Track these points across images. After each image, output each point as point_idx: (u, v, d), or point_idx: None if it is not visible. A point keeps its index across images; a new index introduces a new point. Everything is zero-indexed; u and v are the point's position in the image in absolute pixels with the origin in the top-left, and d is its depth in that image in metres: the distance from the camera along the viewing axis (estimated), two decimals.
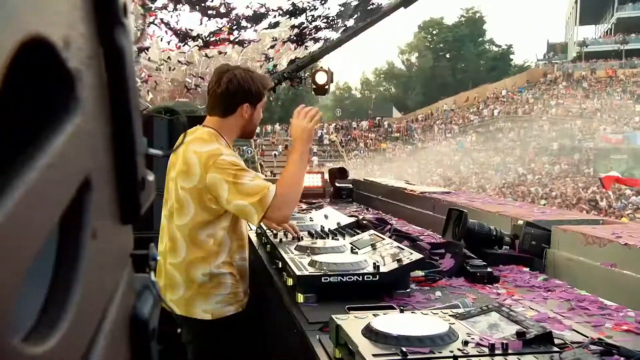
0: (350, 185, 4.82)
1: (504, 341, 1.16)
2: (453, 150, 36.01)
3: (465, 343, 1.17)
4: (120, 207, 0.42)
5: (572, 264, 2.19)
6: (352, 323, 1.30)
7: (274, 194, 2.06)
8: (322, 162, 33.42)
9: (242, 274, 2.27)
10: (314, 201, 4.55)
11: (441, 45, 59.85)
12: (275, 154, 36.21)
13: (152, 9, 4.81)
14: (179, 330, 2.08)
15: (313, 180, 4.94)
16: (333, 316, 1.35)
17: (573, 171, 28.83)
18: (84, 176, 0.33)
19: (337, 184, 4.70)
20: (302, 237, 2.34)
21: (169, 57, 5.24)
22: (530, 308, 1.74)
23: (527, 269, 2.29)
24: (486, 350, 1.14)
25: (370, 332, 1.21)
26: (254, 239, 2.83)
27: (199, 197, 2.11)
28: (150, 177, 0.48)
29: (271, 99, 51.05)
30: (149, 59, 5.47)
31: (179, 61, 5.18)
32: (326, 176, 4.89)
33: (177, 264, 2.18)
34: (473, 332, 1.24)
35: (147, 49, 5.26)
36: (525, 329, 1.20)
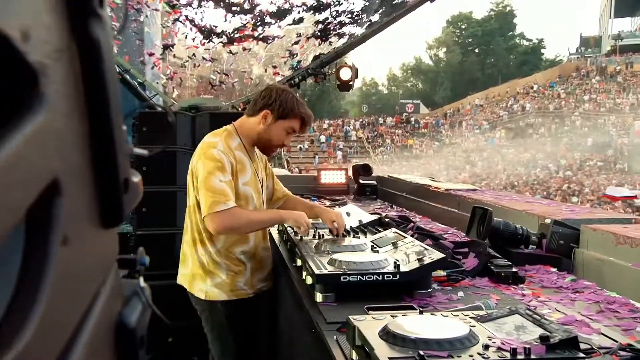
0: (374, 182, 4.78)
1: (527, 345, 1.11)
2: (482, 147, 35.47)
3: (486, 347, 1.13)
4: (100, 210, 0.40)
5: (602, 265, 2.12)
6: (370, 324, 1.27)
7: (230, 207, 2.15)
8: (348, 158, 33.39)
9: (242, 265, 2.34)
10: (337, 198, 4.53)
11: (470, 40, 58.98)
12: (300, 148, 36.35)
13: (177, 6, 4.85)
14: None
15: (337, 177, 4.91)
16: (350, 317, 1.33)
17: (606, 167, 28.10)
18: (51, 179, 0.31)
19: (361, 181, 4.66)
20: (322, 234, 2.32)
21: (193, 54, 5.28)
22: (557, 310, 1.68)
23: (554, 270, 2.22)
24: (508, 355, 1.10)
25: (387, 334, 1.18)
26: (275, 235, 2.82)
27: (191, 180, 2.28)
28: (136, 179, 0.45)
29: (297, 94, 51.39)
30: (174, 56, 5.52)
31: (204, 58, 5.21)
32: (350, 173, 4.86)
33: (188, 240, 2.36)
34: (494, 335, 1.20)
35: (172, 46, 5.31)
36: (549, 333, 1.15)
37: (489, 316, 1.32)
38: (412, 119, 43.05)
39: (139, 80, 5.00)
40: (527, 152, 32.35)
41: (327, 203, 4.13)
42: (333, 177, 4.92)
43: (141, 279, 0.49)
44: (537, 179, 25.51)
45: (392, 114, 45.61)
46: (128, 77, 4.81)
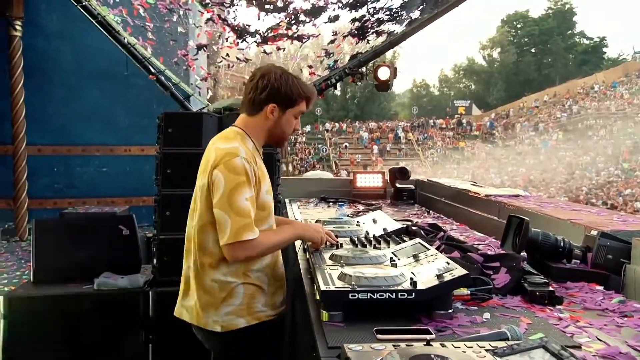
0: (412, 186, 4.56)
1: None
2: (536, 149, 34.17)
3: None
4: None
5: None
6: (366, 356, 1.11)
7: (254, 237, 1.90)
8: (397, 160, 32.96)
9: (261, 286, 2.07)
10: (372, 202, 4.35)
11: (526, 40, 57.13)
12: (346, 146, 36.30)
13: (209, 4, 4.80)
14: None
15: (373, 181, 4.73)
16: (346, 346, 1.17)
17: None
18: None
19: (397, 185, 4.46)
20: (341, 244, 2.16)
21: (227, 54, 5.21)
22: (598, 339, 1.45)
23: (600, 288, 1.97)
24: None
25: None
26: (297, 242, 2.67)
27: (206, 195, 1.97)
28: None
29: (347, 97, 50.89)
30: (207, 56, 5.47)
31: (237, 58, 5.14)
32: (387, 176, 4.66)
33: (191, 267, 2.07)
34: None
35: (206, 46, 5.27)
36: None
37: (510, 349, 1.13)
38: (464, 120, 42.05)
39: (173, 81, 4.98)
40: (585, 155, 30.93)
41: (361, 208, 3.96)
42: (369, 180, 4.74)
43: None
44: (596, 183, 24.30)
45: (444, 115, 44.71)
46: (163, 78, 4.80)
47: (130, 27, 4.92)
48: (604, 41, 58.09)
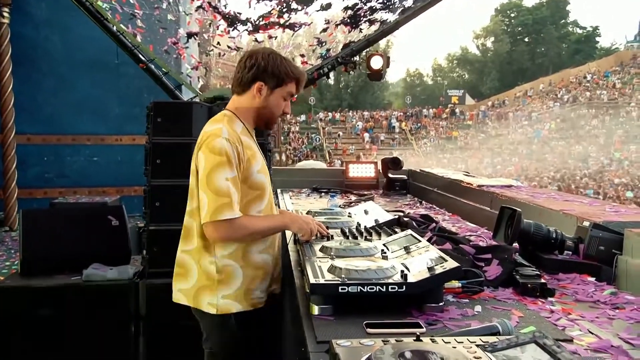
0: (405, 176, 4.54)
1: None
2: (529, 139, 34.26)
3: None
4: None
5: None
6: (354, 352, 1.08)
7: (234, 217, 1.89)
8: (390, 150, 32.96)
9: (261, 269, 2.09)
10: (365, 193, 4.33)
11: (519, 29, 57.11)
12: (339, 134, 36.30)
13: None
14: None
15: (366, 171, 4.71)
16: (334, 341, 1.14)
17: None
18: None
19: (390, 175, 4.44)
20: (331, 236, 2.13)
21: (218, 43, 5.14)
22: (590, 332, 1.44)
23: (592, 279, 1.96)
24: None
25: None
26: (288, 233, 2.64)
27: (196, 177, 2.00)
28: None
29: (340, 86, 50.76)
30: (198, 45, 5.40)
31: (229, 46, 5.06)
32: (380, 166, 4.64)
33: (190, 251, 2.09)
34: None
35: (196, 34, 5.19)
36: None
37: (500, 344, 1.11)
38: (457, 110, 42.07)
39: (163, 70, 4.91)
40: (578, 144, 31.05)
41: (353, 198, 3.93)
42: (362, 170, 4.72)
43: None
44: (588, 173, 24.42)
45: (437, 105, 44.70)
46: (153, 67, 4.72)
47: (119, 14, 4.83)
48: (597, 30, 58.23)
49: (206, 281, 2.04)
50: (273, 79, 2.04)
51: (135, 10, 4.89)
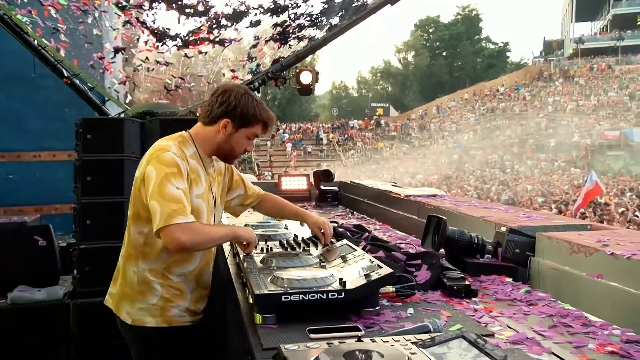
0: (336, 188, 4.69)
1: None
2: (450, 149, 35.84)
3: None
4: None
5: (557, 274, 2.06)
6: (302, 355, 1.17)
7: (189, 220, 1.87)
8: (319, 161, 33.33)
9: (178, 290, 2.08)
10: (298, 205, 4.41)
11: (438, 44, 59.73)
12: (268, 146, 36.38)
13: (127, 7, 4.66)
14: None
15: (298, 183, 4.81)
16: (282, 346, 1.22)
17: (571, 168, 28.65)
18: None
19: (322, 187, 4.57)
20: (270, 248, 2.21)
21: (146, 58, 5.08)
22: (508, 327, 1.61)
23: (509, 280, 2.16)
24: None
25: None
26: (226, 247, 2.69)
27: (138, 187, 2.00)
28: None
29: (267, 98, 50.85)
30: (125, 60, 5.29)
31: (157, 61, 5.02)
32: (312, 179, 4.75)
33: (123, 256, 2.13)
34: None
35: (124, 49, 5.11)
36: None
37: (432, 341, 1.23)
38: (382, 122, 43.28)
39: (89, 85, 4.79)
40: (494, 153, 32.80)
41: None
42: (294, 183, 4.82)
43: None
44: (503, 179, 25.84)
45: (363, 117, 45.76)
46: (77, 81, 4.60)
47: (41, 28, 4.66)
48: (507, 46, 61.99)
49: (128, 290, 2.07)
50: (240, 119, 2.06)
51: (59, 25, 4.74)
